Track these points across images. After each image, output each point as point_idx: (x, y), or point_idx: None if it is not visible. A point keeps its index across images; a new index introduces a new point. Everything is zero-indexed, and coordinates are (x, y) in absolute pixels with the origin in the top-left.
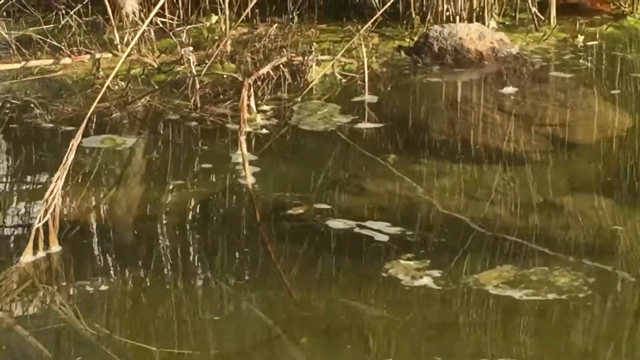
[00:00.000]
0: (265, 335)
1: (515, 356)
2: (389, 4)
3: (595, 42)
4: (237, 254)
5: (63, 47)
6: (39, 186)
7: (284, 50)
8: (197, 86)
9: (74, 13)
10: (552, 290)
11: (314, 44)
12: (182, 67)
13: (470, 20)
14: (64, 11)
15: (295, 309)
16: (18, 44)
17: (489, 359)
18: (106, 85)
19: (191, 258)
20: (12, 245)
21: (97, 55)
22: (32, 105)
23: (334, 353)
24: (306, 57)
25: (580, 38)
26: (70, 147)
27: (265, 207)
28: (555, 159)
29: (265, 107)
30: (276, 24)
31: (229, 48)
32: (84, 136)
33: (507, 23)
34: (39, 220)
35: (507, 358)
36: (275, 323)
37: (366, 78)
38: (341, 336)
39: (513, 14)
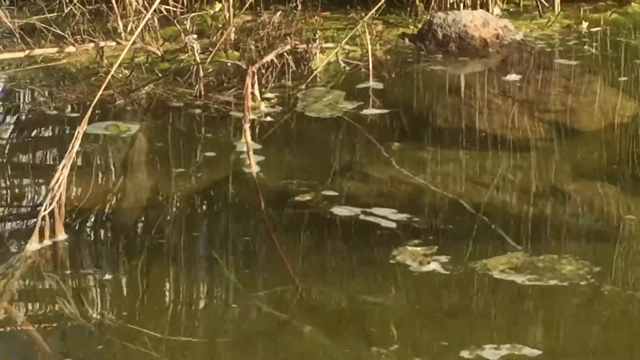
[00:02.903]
0: (270, 324)
1: (507, 340)
2: None
3: (600, 29)
4: (242, 243)
5: (67, 36)
6: (44, 174)
7: (288, 38)
8: (201, 74)
9: (78, 1)
10: (555, 277)
11: (318, 31)
12: (186, 55)
13: (474, 7)
14: None
15: (300, 296)
16: (22, 32)
17: (483, 344)
18: (111, 73)
19: (196, 246)
20: (18, 233)
21: (101, 44)
22: (36, 93)
23: (338, 341)
24: (310, 45)
25: (585, 24)
26: (75, 135)
27: (270, 195)
28: (560, 146)
29: (269, 95)
30: (280, 12)
31: (232, 36)
32: (88, 123)
33: (511, 10)
34: (45, 208)
35: (501, 343)
36: (279, 311)
37: (370, 65)
38: (346, 324)
39: (517, 1)
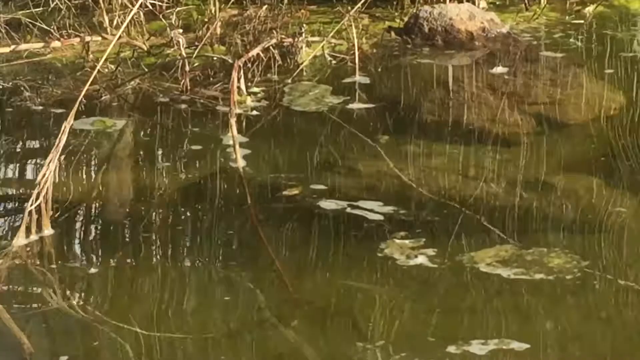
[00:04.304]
0: (257, 318)
1: (494, 335)
2: None
3: (586, 21)
4: (228, 237)
5: (52, 31)
6: (30, 169)
7: (274, 32)
8: (187, 68)
9: None
10: (542, 271)
11: (304, 25)
12: (172, 49)
13: (460, 1)
14: None
15: (287, 291)
16: (7, 27)
17: (470, 339)
18: (97, 69)
19: (182, 241)
20: (4, 228)
21: (87, 39)
22: (21, 88)
23: (326, 335)
24: (296, 39)
25: (570, 17)
26: (62, 130)
27: (257, 189)
28: (547, 139)
29: (255, 89)
30: (266, 6)
31: (218, 30)
32: (74, 118)
33: (497, 3)
34: (32, 203)
35: (488, 338)
36: (267, 306)
37: (357, 59)
38: (333, 318)
39: None
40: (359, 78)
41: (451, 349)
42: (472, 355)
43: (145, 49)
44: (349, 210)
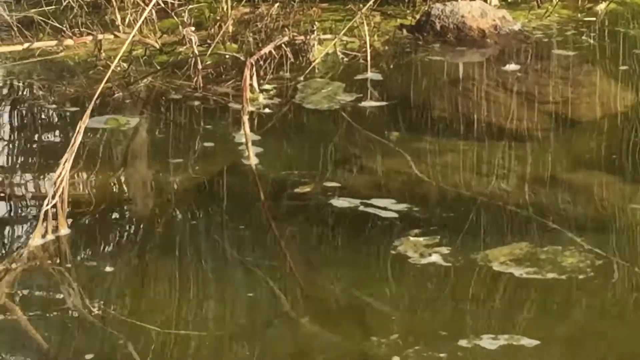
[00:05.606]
0: (270, 314)
1: (505, 331)
2: None
3: (598, 19)
4: (241, 234)
5: (65, 29)
6: (45, 168)
7: (286, 29)
8: (200, 66)
9: None
10: (554, 270)
11: (316, 23)
12: (184, 47)
13: None
14: None
15: (300, 287)
16: (20, 25)
17: (482, 334)
18: (112, 68)
19: (196, 238)
20: (21, 228)
21: (99, 37)
22: (34, 86)
23: (338, 330)
24: (308, 36)
25: (582, 14)
26: (77, 129)
27: (269, 187)
28: (559, 136)
29: (267, 87)
30: (278, 4)
31: (231, 28)
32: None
33: (509, 0)
34: (48, 202)
35: (499, 333)
36: (280, 302)
37: (368, 56)
38: (346, 314)
39: None
40: (371, 75)
41: (462, 342)
42: (482, 350)
43: (158, 46)
44: (361, 207)
